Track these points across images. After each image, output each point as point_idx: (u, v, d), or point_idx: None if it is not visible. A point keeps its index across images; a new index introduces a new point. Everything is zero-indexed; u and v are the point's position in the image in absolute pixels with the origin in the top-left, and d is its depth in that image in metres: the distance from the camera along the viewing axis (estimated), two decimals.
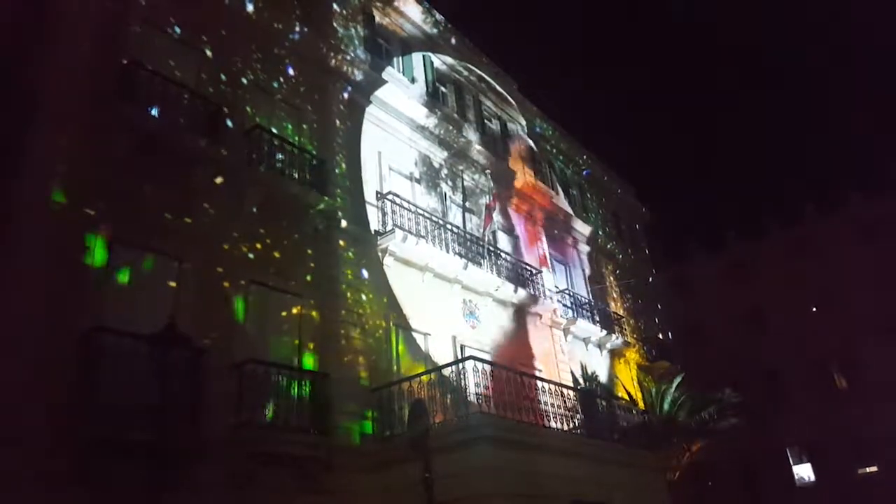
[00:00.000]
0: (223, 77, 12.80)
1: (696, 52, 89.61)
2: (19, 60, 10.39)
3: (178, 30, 12.38)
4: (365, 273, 13.74)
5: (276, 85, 14.03)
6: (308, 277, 12.74)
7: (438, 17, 19.91)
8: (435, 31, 19.83)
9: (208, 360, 9.69)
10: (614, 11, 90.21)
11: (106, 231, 9.73)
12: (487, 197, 18.49)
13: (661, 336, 27.94)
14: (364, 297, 13.44)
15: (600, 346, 22.09)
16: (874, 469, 31.16)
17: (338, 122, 14.91)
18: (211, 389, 9.59)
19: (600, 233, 26.55)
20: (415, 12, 19.11)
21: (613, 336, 22.45)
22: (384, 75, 16.66)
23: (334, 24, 16.01)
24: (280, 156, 12.74)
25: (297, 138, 13.90)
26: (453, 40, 20.54)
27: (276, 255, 12.31)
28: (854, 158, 70.38)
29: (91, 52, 10.52)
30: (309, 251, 12.96)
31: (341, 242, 13.46)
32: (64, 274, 9.02)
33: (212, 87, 12.41)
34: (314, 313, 12.53)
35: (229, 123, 12.24)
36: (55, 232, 9.22)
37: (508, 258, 18.29)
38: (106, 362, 8.47)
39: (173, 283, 10.48)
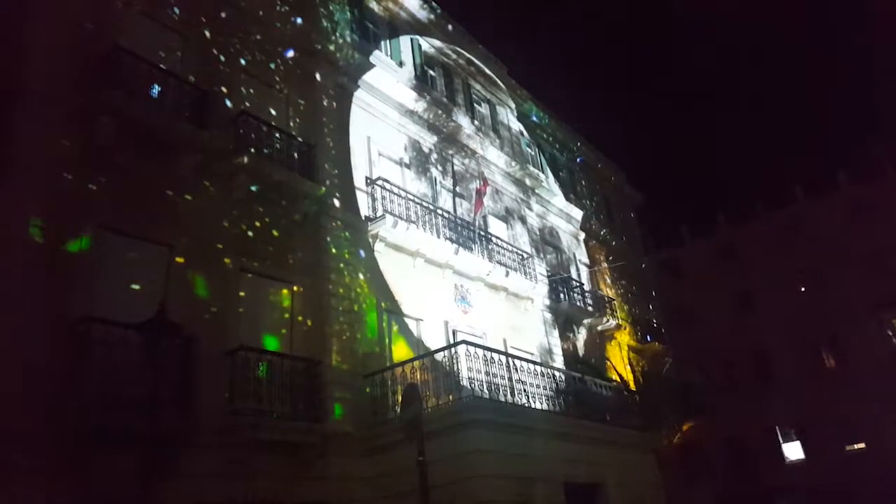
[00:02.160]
0: (209, 62, 12.64)
1: (685, 36, 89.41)
2: (3, 48, 10.21)
3: (163, 15, 12.19)
4: (356, 259, 13.69)
5: (263, 70, 13.86)
6: (298, 264, 12.68)
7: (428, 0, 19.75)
8: (423, 14, 19.65)
9: (199, 348, 9.66)
10: None
11: (93, 219, 9.63)
12: (478, 181, 18.43)
13: (652, 319, 28.12)
14: (355, 283, 13.40)
15: (591, 328, 22.19)
16: (862, 446, 31.64)
17: (326, 106, 14.77)
18: (203, 377, 9.57)
19: (594, 220, 26.60)
20: None
21: (605, 319, 22.56)
22: (372, 59, 16.50)
23: (322, 8, 15.82)
24: (268, 141, 12.61)
25: (285, 123, 13.77)
26: (442, 23, 20.36)
27: (266, 241, 12.23)
28: (842, 141, 70.75)
29: (76, 37, 10.34)
30: (298, 237, 12.88)
31: (331, 228, 13.39)
32: (51, 263, 8.92)
33: (198, 72, 12.24)
34: (305, 300, 12.48)
35: (216, 109, 12.10)
36: (42, 221, 9.09)
37: (500, 243, 18.27)
38: (97, 351, 8.41)
39: (162, 271, 10.40)
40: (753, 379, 34.74)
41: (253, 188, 12.01)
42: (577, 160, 27.95)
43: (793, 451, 33.89)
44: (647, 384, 20.22)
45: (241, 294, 11.43)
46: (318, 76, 14.89)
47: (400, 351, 13.73)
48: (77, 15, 10.57)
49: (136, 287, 9.92)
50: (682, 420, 20.82)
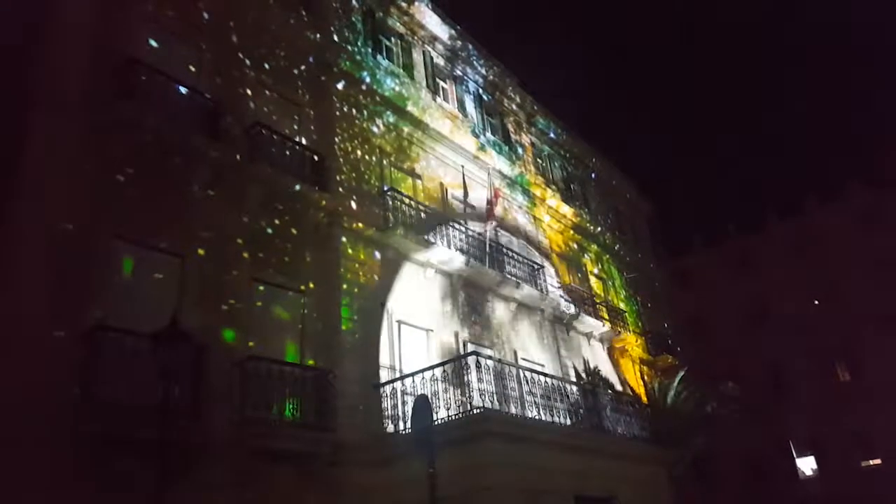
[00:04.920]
0: (223, 74, 12.76)
1: (696, 45, 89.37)
2: (19, 59, 10.36)
3: (179, 28, 12.33)
4: (367, 269, 13.70)
5: (277, 82, 13.99)
6: (309, 274, 12.73)
7: (439, 12, 19.89)
8: (442, 30, 19.87)
9: (211, 357, 9.70)
10: (613, 7, 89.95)
11: (107, 229, 9.72)
12: (489, 192, 18.42)
13: (664, 331, 27.90)
14: (366, 293, 13.40)
15: (602, 340, 22.08)
16: (877, 462, 31.16)
17: (338, 117, 14.86)
18: (214, 386, 9.61)
19: (606, 231, 26.53)
20: (415, 9, 19.06)
21: (616, 331, 22.44)
22: (384, 71, 16.61)
23: (335, 21, 15.96)
24: (281, 152, 12.70)
25: (298, 135, 13.87)
26: (456, 37, 20.47)
27: (277, 251, 12.30)
28: (854, 149, 70.32)
29: (90, 50, 10.48)
30: (310, 247, 12.94)
31: (343, 239, 13.43)
32: (66, 272, 9.00)
33: (212, 84, 12.37)
34: (316, 309, 12.52)
35: (230, 120, 12.21)
36: (56, 230, 9.19)
37: (511, 254, 18.24)
38: (109, 360, 8.48)
39: (175, 280, 10.46)
40: (766, 392, 34.31)
41: (265, 198, 12.10)
42: (591, 175, 27.95)
43: (807, 465, 33.44)
44: (658, 397, 19.99)
45: (253, 304, 11.49)
46: (331, 88, 15.00)
47: (410, 361, 13.69)
48: (94, 28, 10.71)
49: (150, 296, 9.97)
50: (694, 434, 20.55)
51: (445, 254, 15.38)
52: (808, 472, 33.29)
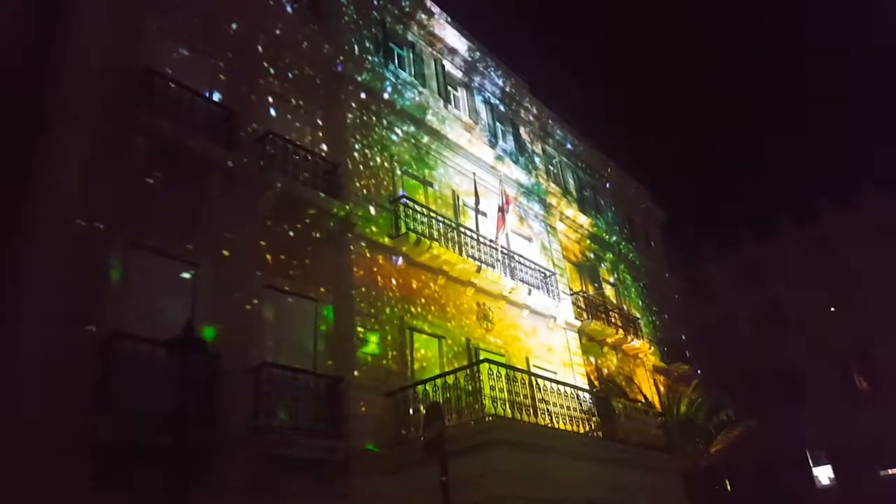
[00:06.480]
0: (238, 84, 12.90)
1: (707, 49, 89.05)
2: (36, 66, 10.51)
3: (194, 38, 12.48)
4: (379, 276, 13.75)
5: (290, 91, 14.11)
6: (322, 280, 12.79)
7: (452, 21, 19.98)
8: (460, 43, 19.98)
9: (225, 365, 9.76)
10: (620, 13, 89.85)
11: (122, 237, 9.83)
12: (500, 199, 18.44)
13: (678, 338, 27.72)
14: (378, 300, 13.44)
15: (616, 347, 21.98)
16: None
17: (352, 126, 14.96)
18: (228, 393, 9.66)
19: (619, 238, 26.45)
20: (434, 21, 19.18)
21: (630, 338, 22.33)
22: (396, 80, 16.70)
23: (354, 32, 16.10)
24: (294, 161, 12.81)
25: (311, 143, 13.98)
26: (469, 47, 20.55)
27: (291, 258, 12.38)
28: (870, 154, 69.59)
29: (107, 59, 10.64)
30: (323, 255, 13.02)
31: (355, 246, 13.49)
32: (81, 280, 9.11)
33: (226, 93, 12.51)
34: (329, 317, 12.58)
35: (244, 129, 12.34)
36: (72, 238, 9.31)
37: (522, 260, 18.22)
38: (124, 367, 8.56)
39: (189, 288, 10.55)
40: (782, 400, 33.92)
41: (279, 206, 12.19)
42: (607, 185, 27.95)
43: (824, 474, 32.99)
44: (673, 405, 19.86)
45: (266, 311, 11.56)
46: (344, 97, 15.11)
47: (423, 368, 13.71)
48: (110, 38, 10.87)
49: (164, 303, 10.07)
50: (709, 442, 20.37)
51: (457, 260, 15.40)
52: (825, 482, 32.82)
